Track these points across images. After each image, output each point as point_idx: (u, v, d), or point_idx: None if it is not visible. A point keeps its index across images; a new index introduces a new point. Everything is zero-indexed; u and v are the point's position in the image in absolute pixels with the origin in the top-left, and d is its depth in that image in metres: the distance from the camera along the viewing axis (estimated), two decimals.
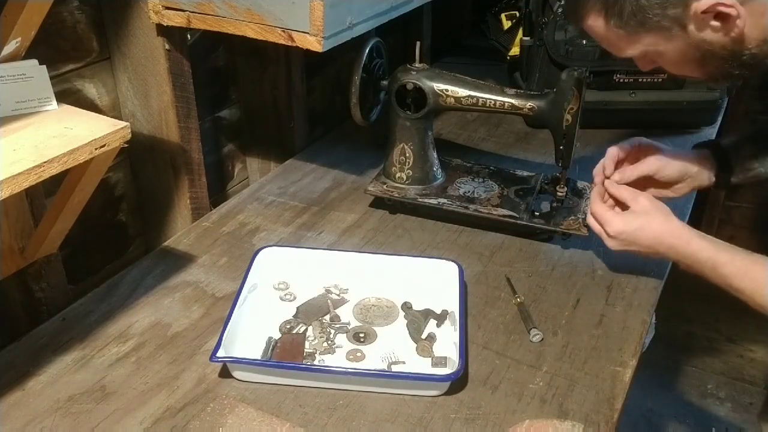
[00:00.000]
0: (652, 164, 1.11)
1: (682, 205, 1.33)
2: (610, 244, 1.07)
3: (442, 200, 1.28)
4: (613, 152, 1.11)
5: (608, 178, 1.11)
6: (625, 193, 1.07)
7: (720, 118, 1.68)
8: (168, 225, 1.30)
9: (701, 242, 1.01)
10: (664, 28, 0.85)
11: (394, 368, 0.96)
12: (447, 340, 0.99)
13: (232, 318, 0.96)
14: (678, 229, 1.02)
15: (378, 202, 1.33)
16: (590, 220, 1.10)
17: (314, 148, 1.58)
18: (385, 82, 1.28)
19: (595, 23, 0.90)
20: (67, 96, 1.10)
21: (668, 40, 0.87)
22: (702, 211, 2.40)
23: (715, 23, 0.83)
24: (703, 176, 1.13)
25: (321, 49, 1.00)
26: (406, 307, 1.07)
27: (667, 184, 1.13)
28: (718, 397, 2.21)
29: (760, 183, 1.17)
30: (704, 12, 0.82)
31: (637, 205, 1.05)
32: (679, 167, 1.11)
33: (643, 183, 1.12)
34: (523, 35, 1.65)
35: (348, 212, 1.32)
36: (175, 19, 1.08)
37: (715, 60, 0.88)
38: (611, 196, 1.10)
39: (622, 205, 1.08)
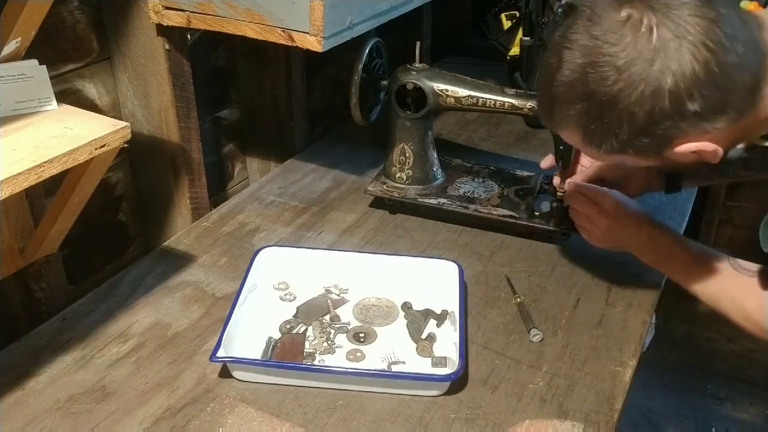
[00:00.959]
0: (595, 168, 1.15)
1: (682, 205, 1.34)
2: (603, 222, 1.05)
3: (442, 200, 1.28)
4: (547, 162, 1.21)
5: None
6: (595, 194, 1.09)
7: None
8: (168, 225, 1.30)
9: (664, 233, 1.03)
10: (641, 153, 0.82)
11: (394, 368, 0.96)
12: (447, 340, 0.99)
13: (232, 318, 0.96)
14: (644, 220, 1.04)
15: (378, 202, 1.33)
16: (573, 213, 1.10)
17: (314, 148, 1.58)
18: (385, 82, 1.28)
19: (571, 138, 0.87)
20: (67, 96, 1.10)
21: (644, 159, 0.85)
22: (702, 211, 2.40)
23: (692, 155, 0.81)
24: (651, 179, 1.16)
25: (321, 49, 1.00)
26: (406, 307, 1.07)
27: (617, 186, 1.15)
28: (718, 397, 2.21)
29: (709, 185, 1.20)
30: (684, 153, 0.80)
31: (605, 203, 1.07)
32: (619, 169, 1.14)
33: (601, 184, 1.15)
34: (523, 35, 1.64)
35: (348, 212, 1.32)
36: (175, 19, 1.08)
37: (688, 167, 0.89)
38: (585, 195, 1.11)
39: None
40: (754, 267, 0.93)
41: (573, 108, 0.80)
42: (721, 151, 0.80)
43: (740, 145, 0.90)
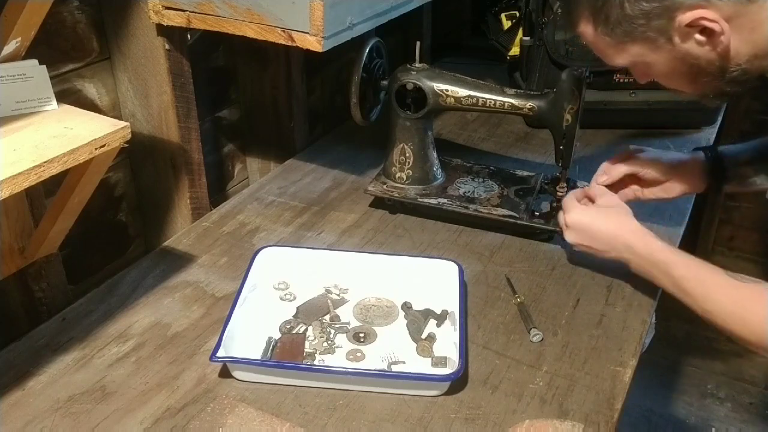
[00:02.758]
0: (635, 163, 1.13)
1: (682, 205, 1.34)
2: (569, 237, 1.08)
3: (442, 200, 1.28)
4: (603, 166, 1.16)
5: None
6: (595, 190, 1.10)
7: (720, 118, 1.68)
8: (168, 225, 1.30)
9: (658, 242, 1.01)
10: (650, 38, 0.85)
11: (394, 368, 0.96)
12: (447, 340, 0.99)
13: (232, 318, 0.96)
14: (636, 228, 1.03)
15: (378, 202, 1.33)
16: (559, 214, 1.12)
17: (314, 148, 1.58)
18: (385, 82, 1.28)
19: (585, 30, 0.91)
20: (67, 96, 1.10)
21: (655, 51, 0.87)
22: (702, 211, 2.40)
23: (700, 37, 0.83)
24: (694, 179, 1.14)
25: (321, 49, 1.00)
26: (406, 307, 1.07)
27: (654, 184, 1.15)
28: (718, 397, 2.21)
29: (755, 194, 1.17)
30: (688, 25, 0.82)
31: (601, 200, 1.08)
32: (662, 167, 1.13)
33: (631, 183, 1.15)
34: (523, 35, 1.64)
35: (348, 212, 1.32)
36: (175, 19, 1.08)
37: (703, 75, 0.88)
38: (587, 195, 1.12)
39: None
40: (751, 279, 0.92)
41: None
42: (726, 26, 0.80)
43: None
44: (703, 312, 0.94)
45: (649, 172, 1.14)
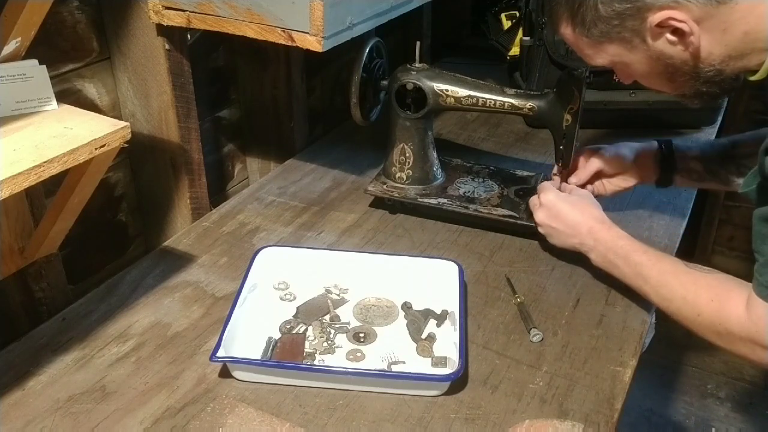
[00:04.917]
0: (598, 162, 1.19)
1: (682, 205, 1.34)
2: (539, 215, 1.13)
3: (442, 200, 1.28)
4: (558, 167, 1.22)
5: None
6: (568, 187, 1.17)
7: (720, 118, 1.68)
8: (168, 225, 1.30)
9: (620, 231, 1.05)
10: (626, 39, 0.88)
11: (394, 368, 0.96)
12: (447, 340, 0.99)
13: (232, 318, 0.96)
14: (602, 217, 1.08)
15: (378, 202, 1.33)
16: (532, 197, 1.17)
17: (314, 148, 1.58)
18: (385, 82, 1.28)
19: (565, 31, 0.95)
20: (67, 96, 1.10)
21: (631, 51, 0.90)
22: (702, 211, 2.40)
23: (671, 37, 0.85)
24: (647, 170, 1.20)
25: (321, 49, 1.00)
26: (406, 307, 1.07)
27: (614, 176, 1.21)
28: (718, 397, 2.21)
29: (705, 186, 1.23)
30: (659, 26, 0.84)
31: (575, 191, 1.15)
32: (621, 162, 1.19)
33: (593, 180, 1.21)
34: (523, 35, 1.65)
35: (348, 212, 1.32)
36: (175, 19, 1.08)
37: (679, 74, 0.90)
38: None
39: None
40: (712, 270, 0.94)
41: None
42: (695, 27, 0.83)
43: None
44: (659, 299, 0.97)
45: (610, 169, 1.20)
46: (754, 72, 0.86)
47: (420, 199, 1.28)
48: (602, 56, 0.93)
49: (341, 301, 1.08)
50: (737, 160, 1.14)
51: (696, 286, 0.92)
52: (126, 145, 0.92)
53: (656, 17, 0.83)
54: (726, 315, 0.87)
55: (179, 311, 1.06)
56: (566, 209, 1.10)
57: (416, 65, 1.25)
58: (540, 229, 1.14)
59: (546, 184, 1.17)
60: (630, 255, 1.01)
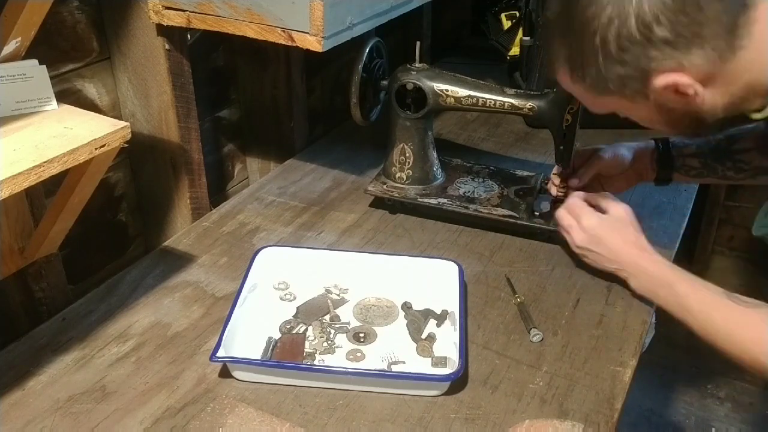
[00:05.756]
0: (596, 164, 1.18)
1: (682, 205, 1.34)
2: (578, 237, 1.08)
3: (442, 200, 1.28)
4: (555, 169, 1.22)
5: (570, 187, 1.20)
6: (604, 200, 1.10)
7: None
8: (168, 225, 1.30)
9: (662, 259, 1.03)
10: (627, 96, 0.85)
11: (394, 368, 0.96)
12: (447, 340, 0.99)
13: (232, 318, 0.96)
14: (645, 243, 1.04)
15: (378, 202, 1.33)
16: (561, 212, 1.13)
17: (314, 148, 1.58)
18: (385, 82, 1.28)
19: (563, 79, 0.91)
20: (67, 96, 1.10)
21: (632, 104, 0.87)
22: (702, 211, 2.40)
23: (675, 96, 0.82)
24: (646, 168, 1.20)
25: (321, 49, 1.00)
26: (406, 307, 1.07)
27: (614, 177, 1.20)
28: (718, 397, 2.20)
29: (705, 182, 1.23)
30: (663, 88, 0.82)
31: (614, 210, 1.08)
32: (620, 162, 1.19)
33: (593, 181, 1.20)
34: (523, 35, 1.65)
35: (348, 212, 1.32)
36: (175, 19, 1.08)
37: (683, 123, 0.88)
38: (589, 202, 1.12)
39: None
40: (753, 301, 0.92)
41: (558, 42, 0.86)
42: (700, 89, 0.81)
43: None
44: (701, 331, 0.94)
45: (610, 169, 1.19)
46: (757, 111, 0.85)
47: (420, 199, 1.28)
48: (603, 107, 0.91)
49: (341, 301, 1.08)
50: (733, 155, 1.14)
51: (738, 319, 0.90)
52: (126, 145, 0.92)
53: (660, 81, 0.80)
54: None
55: (179, 311, 1.06)
56: (608, 235, 1.06)
57: (416, 65, 1.25)
58: (576, 250, 1.10)
59: (580, 206, 1.10)
60: (673, 285, 0.98)
